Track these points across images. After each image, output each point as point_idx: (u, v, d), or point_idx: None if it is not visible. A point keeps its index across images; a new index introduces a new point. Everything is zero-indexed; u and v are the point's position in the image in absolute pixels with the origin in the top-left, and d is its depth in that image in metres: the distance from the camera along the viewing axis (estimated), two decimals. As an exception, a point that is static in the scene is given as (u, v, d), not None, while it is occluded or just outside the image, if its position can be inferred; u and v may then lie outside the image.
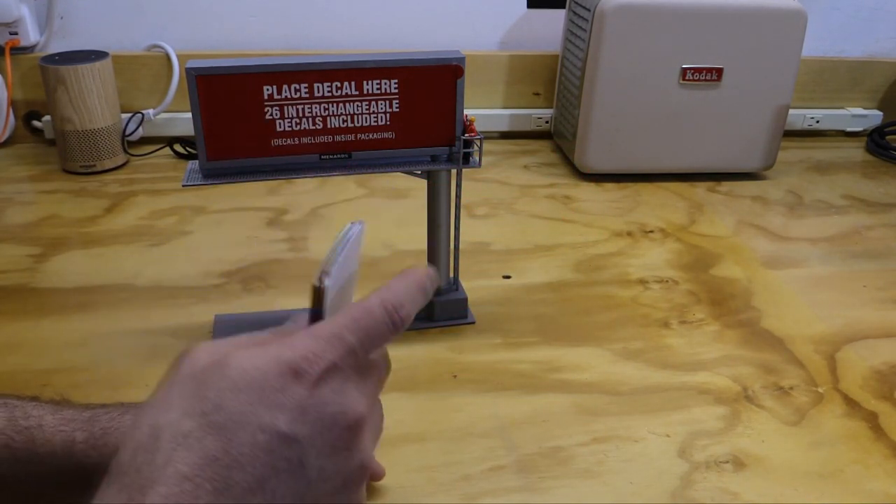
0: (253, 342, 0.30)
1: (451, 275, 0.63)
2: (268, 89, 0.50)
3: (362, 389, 0.31)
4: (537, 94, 1.07)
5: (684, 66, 0.88)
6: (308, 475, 0.29)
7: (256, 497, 0.27)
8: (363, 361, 0.31)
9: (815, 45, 1.10)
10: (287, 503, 0.28)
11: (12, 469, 0.37)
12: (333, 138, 0.53)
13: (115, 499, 0.27)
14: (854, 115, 1.14)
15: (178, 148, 0.97)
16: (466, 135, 0.56)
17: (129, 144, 0.96)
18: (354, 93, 0.52)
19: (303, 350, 0.29)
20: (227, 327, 0.61)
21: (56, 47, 0.97)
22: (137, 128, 0.97)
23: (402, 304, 0.32)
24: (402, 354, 0.59)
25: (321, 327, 0.31)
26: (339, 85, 0.52)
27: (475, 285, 0.68)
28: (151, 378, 0.55)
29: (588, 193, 0.91)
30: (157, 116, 0.98)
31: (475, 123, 0.56)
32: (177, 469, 0.27)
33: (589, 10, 0.88)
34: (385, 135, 0.54)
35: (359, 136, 0.54)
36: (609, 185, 0.93)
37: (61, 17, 0.97)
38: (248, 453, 0.27)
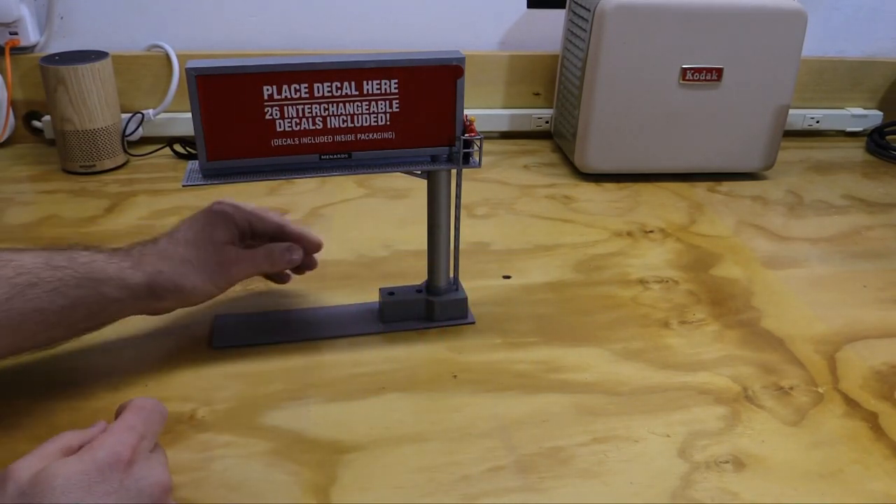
0: (62, 451, 0.39)
1: (451, 275, 0.63)
2: (268, 89, 0.50)
3: (159, 460, 0.40)
4: (537, 94, 1.08)
5: (684, 66, 0.88)
6: None
7: None
8: (151, 442, 0.41)
9: (815, 45, 1.10)
10: None
11: (80, 291, 0.49)
12: (333, 138, 0.53)
13: None
14: (854, 115, 1.14)
15: (178, 148, 0.97)
16: (466, 135, 0.56)
17: (129, 144, 0.96)
18: (354, 93, 0.52)
19: (110, 445, 0.38)
20: (227, 327, 0.61)
21: (56, 47, 0.97)
22: (137, 128, 0.97)
23: (158, 402, 0.43)
24: (401, 354, 0.59)
25: (114, 425, 0.40)
26: (339, 85, 0.52)
27: (475, 285, 0.67)
28: (151, 378, 0.56)
29: (588, 193, 0.91)
30: (157, 116, 0.98)
31: (475, 123, 0.56)
32: None
33: (589, 10, 0.88)
34: (385, 135, 0.54)
35: (359, 136, 0.54)
36: (609, 185, 0.93)
37: (61, 17, 0.97)
38: None
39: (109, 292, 0.50)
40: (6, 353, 0.49)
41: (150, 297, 0.52)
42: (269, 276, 0.64)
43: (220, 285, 0.56)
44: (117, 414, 0.43)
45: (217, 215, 0.57)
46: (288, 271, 0.64)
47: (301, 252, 0.59)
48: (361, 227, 0.80)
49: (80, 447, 0.39)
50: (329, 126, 0.53)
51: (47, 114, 0.95)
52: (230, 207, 0.58)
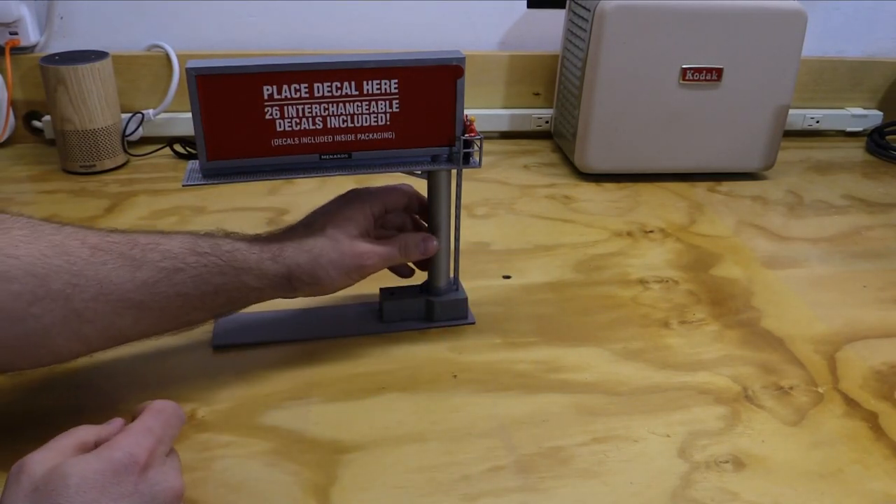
0: (76, 447, 0.39)
1: (452, 275, 0.63)
2: (268, 89, 0.51)
3: (173, 465, 0.40)
4: (537, 94, 1.08)
5: (684, 66, 0.88)
6: None
7: None
8: (167, 446, 0.41)
9: (815, 45, 1.10)
10: None
11: (223, 279, 0.51)
12: (333, 138, 0.53)
13: None
14: (854, 115, 1.14)
15: (178, 148, 0.97)
16: (466, 135, 0.56)
17: (129, 144, 0.96)
18: (354, 93, 0.52)
19: (127, 446, 0.38)
20: (227, 327, 0.61)
21: (56, 47, 0.97)
22: (137, 128, 0.97)
23: (177, 406, 0.43)
24: (402, 354, 0.59)
25: (133, 426, 0.40)
26: (339, 85, 0.52)
27: (475, 285, 0.68)
28: (152, 378, 0.56)
29: (588, 193, 0.91)
30: (157, 116, 0.98)
31: (475, 123, 0.56)
32: None
33: (589, 11, 0.88)
34: (385, 135, 0.54)
35: (359, 136, 0.54)
36: (609, 185, 0.93)
37: (61, 17, 0.97)
38: None
39: (250, 281, 0.52)
40: (150, 334, 0.51)
41: (286, 287, 0.54)
42: (393, 269, 0.64)
43: (353, 278, 0.56)
44: (135, 414, 0.42)
45: (351, 205, 0.57)
46: (410, 264, 0.64)
47: (435, 242, 0.60)
48: (361, 227, 0.80)
49: (95, 443, 0.39)
50: (329, 126, 0.53)
51: (47, 114, 0.95)
52: (363, 193, 0.58)
